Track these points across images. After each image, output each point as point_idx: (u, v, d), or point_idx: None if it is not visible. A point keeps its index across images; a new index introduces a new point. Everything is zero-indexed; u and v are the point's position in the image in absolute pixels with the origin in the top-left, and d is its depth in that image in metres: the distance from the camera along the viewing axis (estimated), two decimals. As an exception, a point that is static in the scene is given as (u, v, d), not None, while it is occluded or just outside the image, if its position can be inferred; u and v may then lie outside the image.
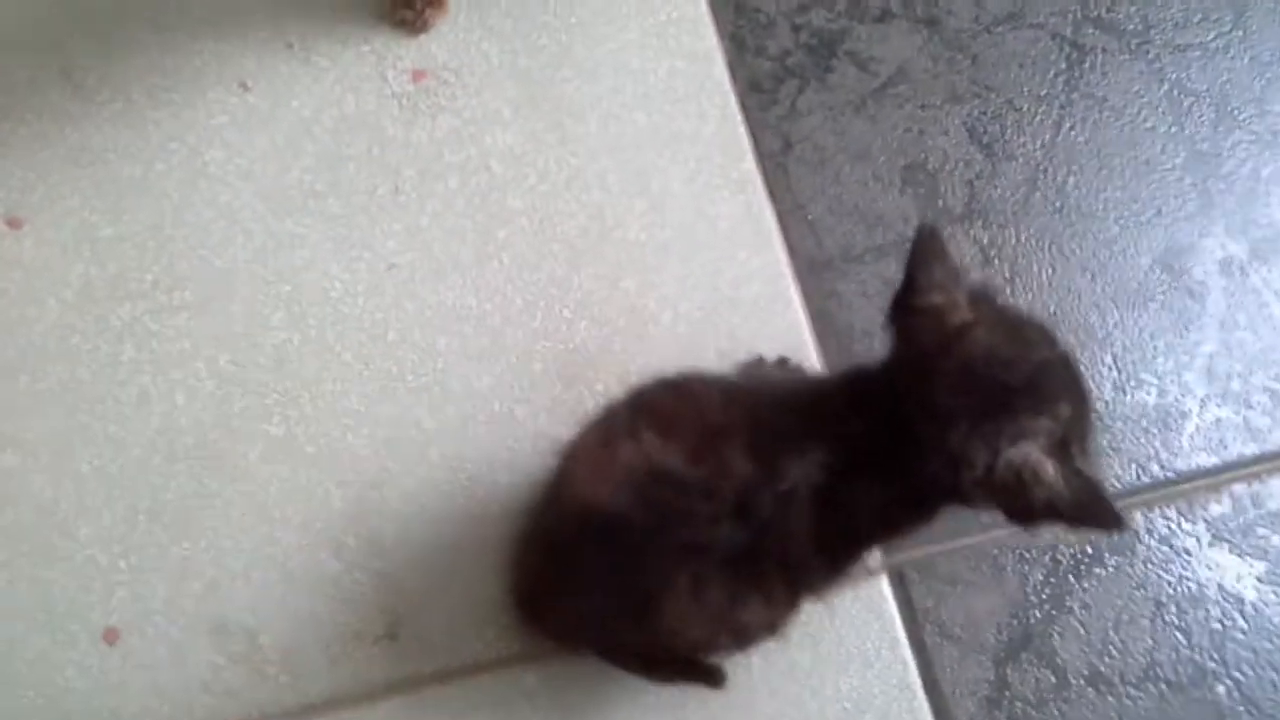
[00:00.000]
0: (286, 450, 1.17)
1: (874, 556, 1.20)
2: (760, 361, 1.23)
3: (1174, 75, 1.50)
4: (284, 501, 1.15)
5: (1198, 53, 1.52)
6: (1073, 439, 0.85)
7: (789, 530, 0.90)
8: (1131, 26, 1.52)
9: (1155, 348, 1.37)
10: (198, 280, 1.22)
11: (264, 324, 1.22)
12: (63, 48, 1.28)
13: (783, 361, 1.23)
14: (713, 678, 1.07)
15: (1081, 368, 0.91)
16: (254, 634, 1.12)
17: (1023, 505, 0.84)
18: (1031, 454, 0.82)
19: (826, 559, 0.98)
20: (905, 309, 0.91)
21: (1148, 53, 1.51)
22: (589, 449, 0.98)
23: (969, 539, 1.25)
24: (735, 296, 1.31)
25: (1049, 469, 0.82)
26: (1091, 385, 0.91)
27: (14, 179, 1.22)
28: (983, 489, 0.86)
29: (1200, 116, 1.49)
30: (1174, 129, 1.48)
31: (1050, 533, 1.25)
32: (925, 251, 0.91)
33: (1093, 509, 0.83)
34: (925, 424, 0.87)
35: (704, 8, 1.43)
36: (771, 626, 1.01)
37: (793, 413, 0.95)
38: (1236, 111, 1.50)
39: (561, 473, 1.01)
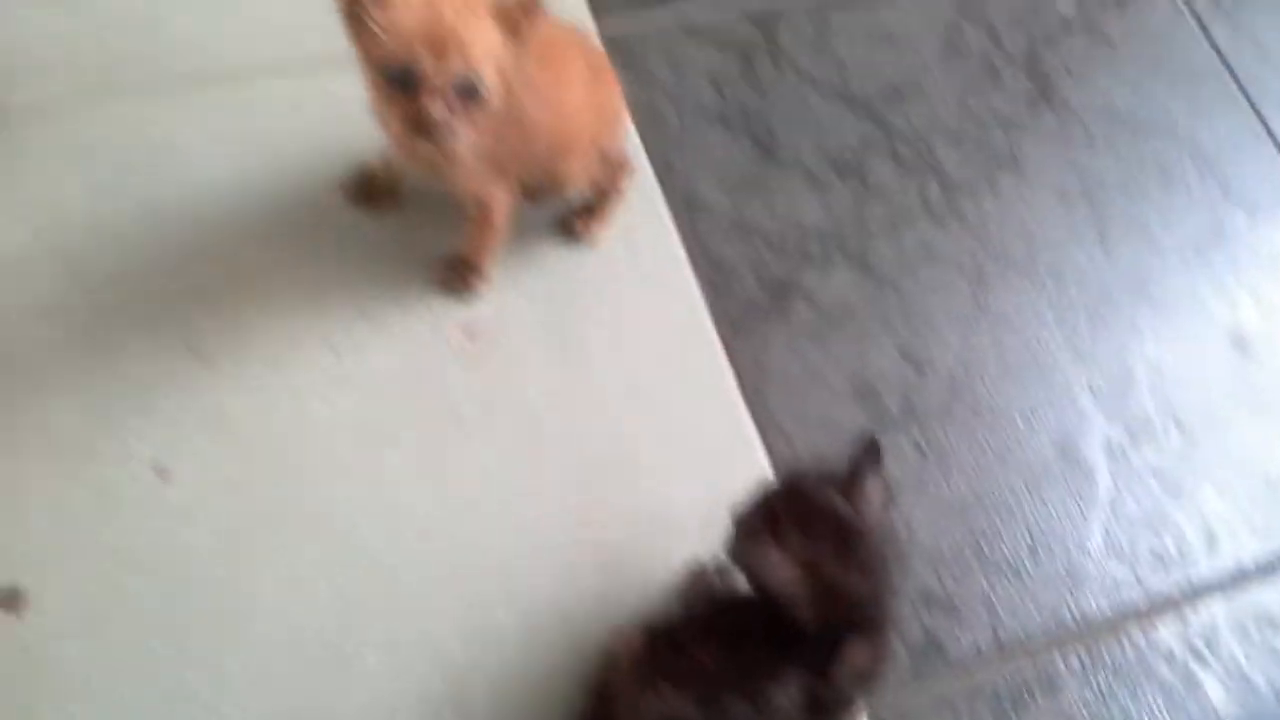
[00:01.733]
0: (396, 650, 1.47)
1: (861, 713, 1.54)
2: (704, 570, 1.54)
3: (1055, 293, 1.91)
4: (399, 690, 1.45)
5: (1073, 273, 1.93)
6: None
7: None
8: (1019, 256, 1.93)
9: (1059, 518, 1.74)
10: (314, 513, 1.52)
11: (368, 546, 1.52)
12: (187, 325, 1.60)
13: (720, 571, 1.52)
14: None
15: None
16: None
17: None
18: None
19: None
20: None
21: (1034, 274, 1.92)
22: (628, 694, 1.31)
23: (934, 688, 1.59)
24: (729, 495, 1.64)
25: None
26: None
27: (160, 440, 1.52)
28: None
29: (1079, 324, 1.89)
30: (1059, 336, 1.87)
31: (990, 674, 1.60)
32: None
33: None
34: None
35: (684, 262, 1.80)
36: None
37: (760, 643, 1.27)
38: (1107, 317, 1.90)
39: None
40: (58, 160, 1.66)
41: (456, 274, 1.68)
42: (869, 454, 1.28)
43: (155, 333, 1.58)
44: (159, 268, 1.62)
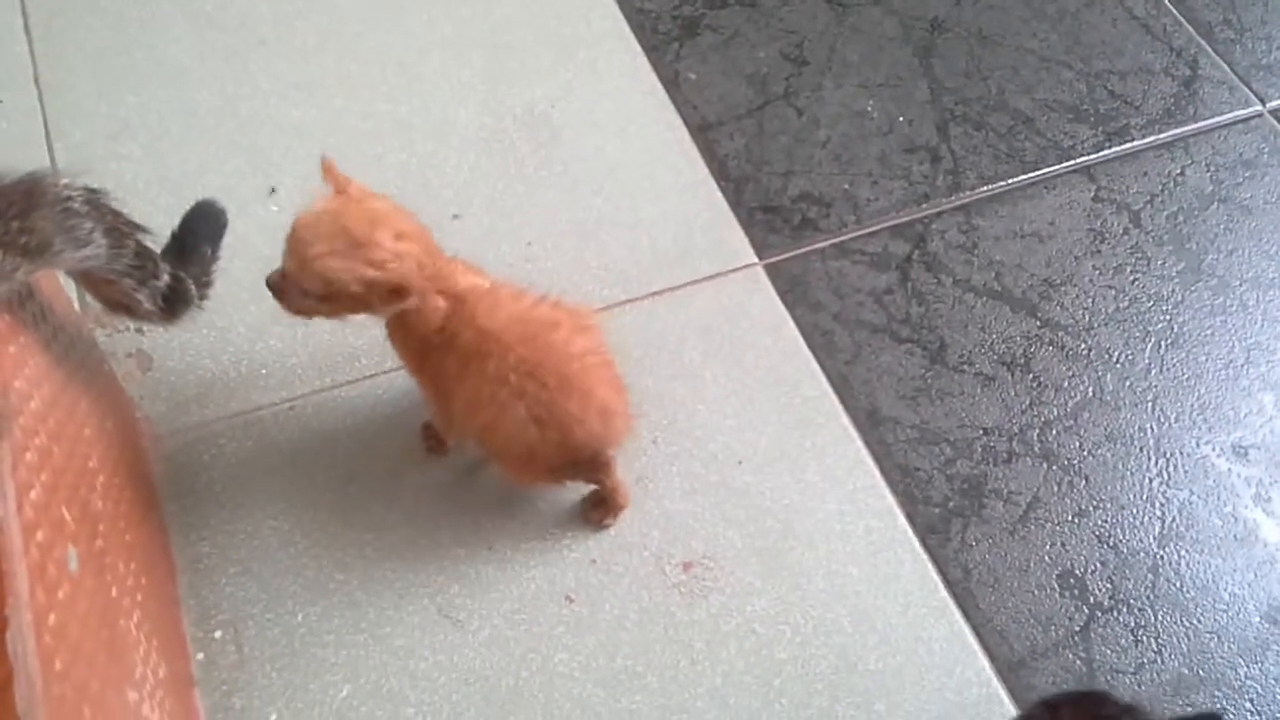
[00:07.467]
0: None
1: None
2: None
3: (1238, 463, 1.96)
4: None
5: (1252, 438, 1.99)
6: None
7: None
8: (1197, 428, 2.00)
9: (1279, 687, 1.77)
10: (572, 762, 1.63)
11: (623, 791, 1.62)
12: (437, 591, 1.74)
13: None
14: None
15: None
16: None
17: None
18: None
19: None
20: None
21: (1215, 444, 1.98)
22: None
23: None
24: (959, 701, 1.71)
25: None
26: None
27: (425, 702, 1.64)
28: None
29: (1267, 491, 1.94)
30: (1250, 504, 1.92)
31: None
32: None
33: None
34: None
35: (876, 475, 1.91)
36: None
37: None
38: (1292, 481, 1.95)
39: None
40: (310, 444, 1.85)
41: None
42: None
43: (410, 601, 1.73)
44: (406, 538, 1.78)
